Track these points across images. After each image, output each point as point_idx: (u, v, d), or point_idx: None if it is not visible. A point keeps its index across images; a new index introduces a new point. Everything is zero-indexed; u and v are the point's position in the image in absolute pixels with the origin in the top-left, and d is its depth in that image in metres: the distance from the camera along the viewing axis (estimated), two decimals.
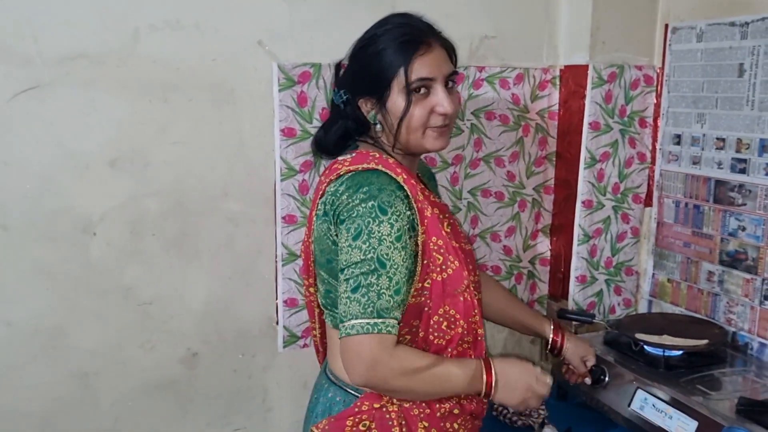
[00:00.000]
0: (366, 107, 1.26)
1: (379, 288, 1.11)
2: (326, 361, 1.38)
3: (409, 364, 1.16)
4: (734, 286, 1.80)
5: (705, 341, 1.69)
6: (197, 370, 1.74)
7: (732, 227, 1.79)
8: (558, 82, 2.02)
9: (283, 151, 1.72)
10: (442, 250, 1.22)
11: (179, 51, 1.59)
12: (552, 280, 2.14)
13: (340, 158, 1.27)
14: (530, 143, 2.04)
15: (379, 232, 1.11)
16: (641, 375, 1.64)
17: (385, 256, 1.11)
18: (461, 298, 1.24)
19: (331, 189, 1.20)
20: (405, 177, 1.20)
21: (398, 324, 1.14)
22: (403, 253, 1.14)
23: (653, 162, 2.04)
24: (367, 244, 1.11)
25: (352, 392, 1.27)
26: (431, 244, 1.21)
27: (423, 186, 1.33)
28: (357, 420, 1.22)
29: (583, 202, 2.00)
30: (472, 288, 1.25)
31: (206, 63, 1.62)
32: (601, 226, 2.05)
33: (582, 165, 1.98)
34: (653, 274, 2.07)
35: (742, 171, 1.76)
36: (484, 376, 1.23)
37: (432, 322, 1.23)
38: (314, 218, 1.25)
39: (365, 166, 1.19)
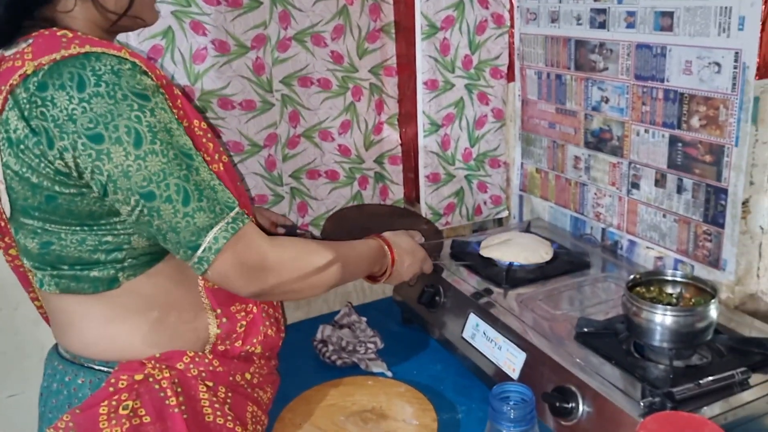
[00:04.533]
0: None
1: (207, 181, 0.85)
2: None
3: (302, 250, 0.95)
4: (600, 173, 1.45)
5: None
6: None
7: (595, 99, 1.42)
8: None
9: None
10: (209, 135, 0.92)
11: None
12: (406, 180, 1.78)
13: (7, 53, 0.86)
14: (358, 13, 1.62)
15: (159, 122, 0.82)
16: (477, 295, 1.32)
17: (186, 146, 0.84)
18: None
19: (24, 96, 0.79)
20: (128, 50, 0.84)
21: None
22: (188, 136, 0.86)
23: (512, 25, 1.64)
24: (159, 143, 0.81)
25: (100, 368, 0.93)
26: (195, 129, 0.90)
27: None
28: (115, 403, 0.89)
29: (425, 83, 1.61)
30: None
31: None
32: (453, 111, 1.67)
33: (419, 35, 1.57)
34: (522, 163, 1.71)
35: (602, 25, 1.36)
36: (387, 251, 1.16)
37: None
38: None
39: (65, 53, 0.79)
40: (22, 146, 0.81)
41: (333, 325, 1.48)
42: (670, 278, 1.12)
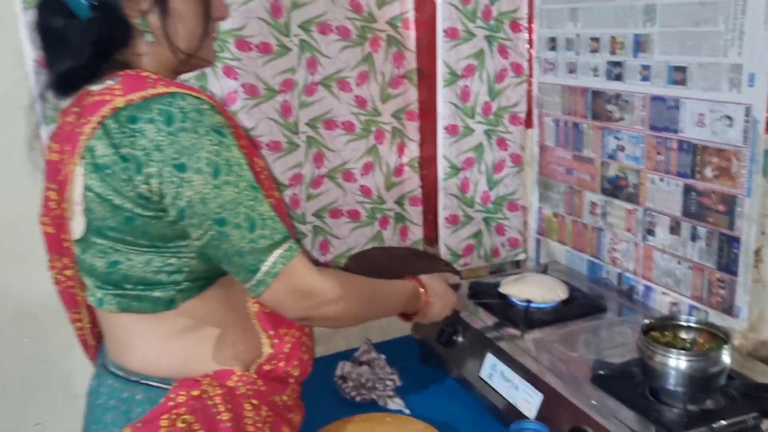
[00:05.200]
0: (137, 9, 0.94)
1: (269, 212, 0.93)
2: (102, 355, 1.09)
3: (344, 280, 1.00)
4: (617, 218, 1.49)
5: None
6: None
7: (611, 148, 1.47)
8: None
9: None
10: (266, 173, 1.01)
11: None
12: (425, 222, 1.83)
13: (93, 89, 0.94)
14: (382, 60, 1.69)
15: (234, 157, 0.91)
16: (495, 335, 1.35)
17: (252, 180, 0.93)
18: None
19: (115, 127, 0.87)
20: (206, 94, 0.94)
21: None
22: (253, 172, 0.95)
23: (531, 74, 1.70)
24: (233, 175, 0.90)
25: (158, 384, 0.99)
26: (256, 165, 0.98)
27: None
28: (174, 417, 0.95)
29: (445, 128, 1.67)
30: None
31: None
32: (473, 155, 1.72)
33: (440, 83, 1.64)
34: (539, 208, 1.76)
35: (618, 77, 1.42)
36: (422, 291, 1.21)
37: None
38: (82, 172, 0.90)
39: (153, 91, 0.88)
40: (108, 171, 0.88)
41: (352, 362, 1.51)
42: (684, 323, 1.15)
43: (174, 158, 0.86)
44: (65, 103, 1.33)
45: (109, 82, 0.92)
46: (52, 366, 1.53)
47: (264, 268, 0.91)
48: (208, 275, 0.98)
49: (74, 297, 1.07)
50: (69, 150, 0.92)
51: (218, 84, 1.51)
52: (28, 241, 1.43)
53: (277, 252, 0.92)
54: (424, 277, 1.25)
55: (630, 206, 1.45)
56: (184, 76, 1.10)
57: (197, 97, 0.90)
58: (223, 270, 0.96)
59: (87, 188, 0.90)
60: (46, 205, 1.00)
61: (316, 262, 1.32)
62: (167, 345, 0.99)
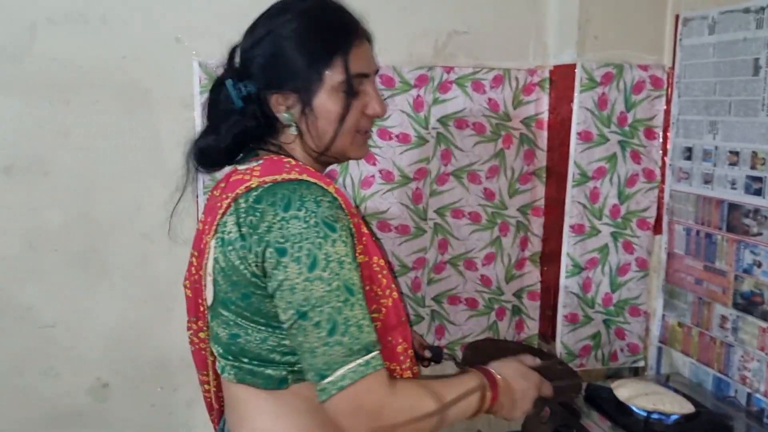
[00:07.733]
0: (281, 105, 1.01)
1: (357, 319, 0.90)
2: (224, 421, 1.14)
3: (416, 399, 0.94)
4: (749, 335, 1.44)
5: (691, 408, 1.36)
6: (108, 403, 1.57)
7: (747, 262, 1.43)
8: (547, 86, 1.73)
9: None
10: (384, 272, 1.01)
11: (83, 48, 1.44)
12: (542, 317, 1.82)
13: (239, 168, 1.02)
14: (513, 156, 1.75)
15: (336, 253, 0.90)
16: None
17: (351, 281, 0.91)
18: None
19: (243, 206, 0.94)
20: (335, 187, 0.97)
21: None
22: (358, 273, 0.94)
23: (663, 181, 1.70)
24: (328, 271, 0.89)
25: None
26: (374, 265, 0.99)
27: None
28: None
29: (572, 227, 1.69)
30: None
31: (114, 61, 1.46)
32: (597, 256, 1.72)
33: (570, 182, 1.67)
34: (663, 315, 1.71)
35: (758, 192, 1.40)
36: (488, 396, 1.02)
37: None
38: (214, 245, 0.98)
39: (286, 176, 0.94)
40: (230, 247, 0.94)
41: None
42: None
43: (278, 242, 0.89)
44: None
45: (253, 164, 0.98)
46: (176, 419, 1.62)
47: (330, 378, 0.87)
48: None
49: (204, 359, 1.12)
50: (209, 222, 0.99)
51: (358, 168, 1.62)
52: (176, 297, 1.57)
53: (351, 365, 0.87)
54: (495, 365, 1.09)
55: (765, 324, 1.39)
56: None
57: (323, 188, 0.93)
58: None
59: (215, 260, 0.96)
60: (189, 270, 1.07)
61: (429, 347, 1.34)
62: (275, 423, 1.01)
